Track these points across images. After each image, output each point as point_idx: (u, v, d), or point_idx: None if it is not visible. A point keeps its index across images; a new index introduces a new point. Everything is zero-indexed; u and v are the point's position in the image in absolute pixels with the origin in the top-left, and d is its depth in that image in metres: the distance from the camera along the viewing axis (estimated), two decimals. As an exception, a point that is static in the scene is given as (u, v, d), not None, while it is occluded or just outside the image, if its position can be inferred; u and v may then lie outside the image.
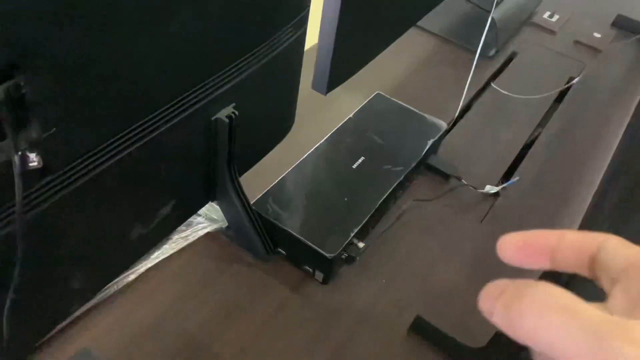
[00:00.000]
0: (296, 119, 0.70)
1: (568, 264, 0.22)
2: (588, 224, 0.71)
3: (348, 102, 0.85)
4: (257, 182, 0.65)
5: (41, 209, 0.38)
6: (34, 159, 0.35)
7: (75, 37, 0.33)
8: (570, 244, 0.22)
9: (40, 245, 0.40)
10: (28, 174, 0.35)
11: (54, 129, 0.35)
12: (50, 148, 0.36)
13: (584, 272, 0.22)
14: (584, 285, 0.23)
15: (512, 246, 0.23)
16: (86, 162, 0.40)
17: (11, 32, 0.29)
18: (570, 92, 0.99)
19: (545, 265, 0.23)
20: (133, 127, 0.42)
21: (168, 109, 0.45)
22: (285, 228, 0.60)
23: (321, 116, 0.84)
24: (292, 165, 0.68)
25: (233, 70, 0.51)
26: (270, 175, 0.66)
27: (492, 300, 0.20)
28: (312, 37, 0.72)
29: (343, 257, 0.61)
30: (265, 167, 0.66)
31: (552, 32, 1.13)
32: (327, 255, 0.58)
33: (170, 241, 0.63)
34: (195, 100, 0.48)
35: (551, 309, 0.18)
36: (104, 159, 0.41)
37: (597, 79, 1.03)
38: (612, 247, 0.22)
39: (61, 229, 0.41)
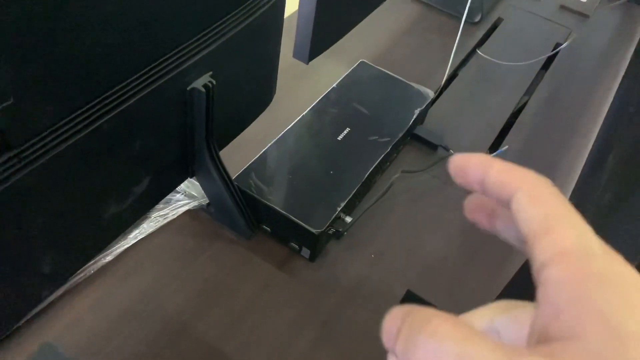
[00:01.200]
0: (277, 89, 0.67)
1: (499, 199, 0.21)
2: (583, 196, 0.70)
3: (331, 71, 0.82)
4: (238, 156, 0.62)
5: (3, 188, 0.35)
6: (-11, 134, 0.32)
7: (38, 2, 0.30)
8: (494, 182, 0.21)
9: (4, 227, 0.37)
10: (-16, 150, 0.32)
11: (12, 100, 0.32)
12: (9, 122, 0.33)
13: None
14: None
15: (454, 167, 0.22)
16: (50, 137, 0.36)
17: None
18: (557, 59, 0.97)
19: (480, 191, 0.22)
20: (101, 98, 0.39)
21: (139, 77, 0.42)
22: (269, 204, 0.57)
23: (303, 86, 0.80)
24: (275, 138, 0.65)
25: (208, 35, 0.48)
26: (251, 149, 0.63)
27: (391, 337, 0.19)
28: (292, 3, 0.68)
29: (330, 232, 0.58)
30: (246, 141, 0.63)
31: (537, -3, 1.10)
32: (313, 231, 0.55)
33: (148, 220, 0.60)
34: (168, 68, 0.44)
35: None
36: (69, 133, 0.38)
37: (584, 44, 1.01)
38: (524, 205, 0.20)
39: (27, 209, 0.38)
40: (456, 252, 0.64)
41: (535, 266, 0.19)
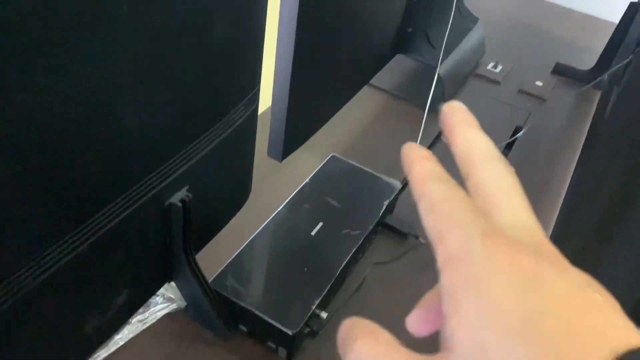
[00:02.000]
0: (252, 186, 0.70)
1: None
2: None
3: (304, 164, 0.86)
4: (214, 255, 0.64)
5: (-13, 321, 0.36)
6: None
7: (17, 133, 0.33)
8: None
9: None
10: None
11: (-3, 240, 0.35)
12: (-5, 259, 0.35)
13: None
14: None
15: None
16: (33, 268, 0.38)
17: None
18: (518, 140, 1.03)
19: None
20: (82, 226, 0.42)
21: (120, 201, 0.45)
22: (244, 305, 0.59)
23: (277, 181, 0.84)
24: (250, 235, 0.68)
25: (186, 154, 0.51)
26: (228, 247, 0.66)
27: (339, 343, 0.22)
28: (266, 99, 0.73)
29: (306, 331, 0.60)
30: (222, 239, 0.66)
31: (496, 82, 1.17)
32: (288, 331, 0.57)
33: (128, 325, 0.61)
34: (147, 189, 0.48)
35: None
36: (52, 262, 0.40)
37: (542, 126, 1.08)
38: (423, 217, 0.22)
39: (11, 334, 0.40)
40: (432, 339, 0.66)
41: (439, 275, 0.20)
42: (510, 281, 0.18)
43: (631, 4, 1.11)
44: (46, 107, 0.33)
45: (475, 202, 0.22)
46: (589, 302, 0.17)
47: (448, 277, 0.19)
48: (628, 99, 0.89)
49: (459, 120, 0.25)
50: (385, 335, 0.21)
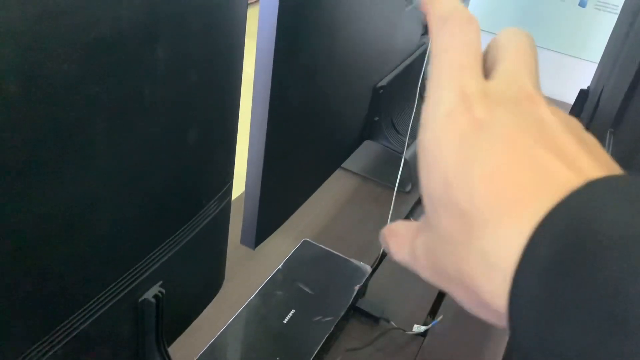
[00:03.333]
0: (226, 272, 0.72)
1: None
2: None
3: (276, 249, 0.88)
4: (188, 345, 0.64)
5: None
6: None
7: (-1, 266, 0.34)
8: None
9: None
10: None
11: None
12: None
13: None
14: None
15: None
16: (6, 375, 0.39)
17: None
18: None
19: None
20: (57, 328, 0.43)
21: (94, 302, 0.46)
22: (217, 399, 0.59)
23: (251, 268, 0.85)
24: (224, 324, 0.68)
25: (160, 251, 0.53)
26: (201, 337, 0.66)
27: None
28: (240, 185, 0.75)
29: None
30: (196, 329, 0.66)
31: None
32: None
33: (97, 422, 0.60)
34: (120, 288, 0.49)
35: None
36: (25, 367, 0.40)
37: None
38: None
39: None
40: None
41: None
42: (456, 133, 0.20)
43: (581, 91, 1.19)
44: (19, 215, 0.35)
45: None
46: (547, 142, 0.18)
47: (420, 137, 0.22)
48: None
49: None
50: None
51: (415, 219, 0.29)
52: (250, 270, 0.84)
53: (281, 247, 0.88)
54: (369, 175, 1.12)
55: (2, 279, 0.36)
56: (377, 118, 1.00)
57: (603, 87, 1.01)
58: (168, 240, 0.54)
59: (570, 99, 1.25)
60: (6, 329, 0.38)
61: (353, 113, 0.94)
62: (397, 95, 1.05)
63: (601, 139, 1.01)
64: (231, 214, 0.69)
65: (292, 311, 0.72)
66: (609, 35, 1.18)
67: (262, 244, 0.76)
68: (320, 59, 0.74)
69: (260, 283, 0.75)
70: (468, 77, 0.21)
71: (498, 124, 0.19)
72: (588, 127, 1.15)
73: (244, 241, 0.76)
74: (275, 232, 0.78)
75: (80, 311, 0.45)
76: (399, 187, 0.96)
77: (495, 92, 0.20)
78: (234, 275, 0.77)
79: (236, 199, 0.71)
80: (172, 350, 0.58)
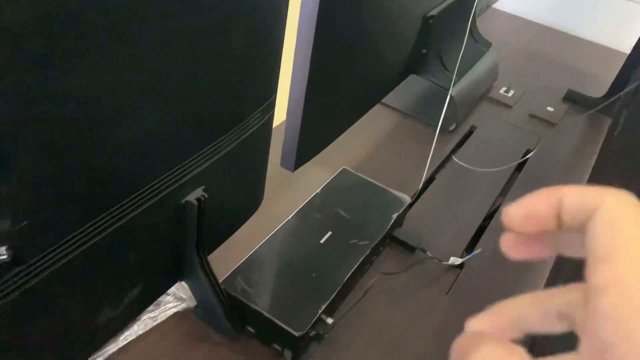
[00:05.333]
0: (265, 194, 0.72)
1: (577, 226, 0.21)
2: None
3: (315, 176, 0.88)
4: (226, 258, 0.66)
5: (9, 300, 0.38)
6: (3, 253, 0.36)
7: (47, 135, 0.35)
8: (572, 207, 0.21)
9: (7, 335, 0.40)
10: (-3, 267, 0.36)
11: (25, 222, 0.37)
12: (21, 241, 0.37)
13: None
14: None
15: (517, 219, 0.22)
16: (56, 252, 0.40)
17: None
18: (527, 164, 1.04)
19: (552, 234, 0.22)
20: (103, 215, 0.44)
21: (138, 195, 0.47)
22: (253, 307, 0.60)
23: (289, 192, 0.86)
24: (261, 241, 0.69)
25: (203, 155, 0.53)
26: (239, 251, 0.67)
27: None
28: (281, 114, 0.75)
29: (312, 334, 0.61)
30: (234, 243, 0.68)
31: (508, 106, 1.19)
32: (295, 333, 0.58)
33: (138, 322, 0.62)
34: (164, 186, 0.50)
35: None
36: (73, 247, 0.42)
37: (552, 150, 1.09)
38: (597, 229, 0.19)
39: (29, 318, 0.42)
40: (435, 352, 0.67)
41: (588, 292, 0.19)
42: None
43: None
44: (74, 104, 0.36)
45: None
46: None
47: (616, 301, 0.18)
48: (636, 122, 0.90)
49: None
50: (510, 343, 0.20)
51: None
52: (289, 194, 0.85)
53: (320, 175, 0.88)
54: (411, 112, 1.10)
55: (56, 163, 0.37)
56: (424, 51, 0.97)
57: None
58: (211, 145, 0.54)
59: (623, 46, 1.18)
60: (60, 208, 0.39)
61: (400, 43, 0.92)
62: (448, 28, 1.01)
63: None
64: (271, 140, 0.69)
65: (329, 233, 0.72)
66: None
67: (300, 171, 0.76)
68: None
69: (297, 206, 0.76)
70: None
71: None
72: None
73: (283, 164, 0.76)
74: (313, 162, 0.78)
75: (126, 201, 0.46)
76: (443, 126, 0.94)
77: None
78: (273, 197, 0.78)
79: (277, 126, 0.70)
80: (210, 260, 0.60)
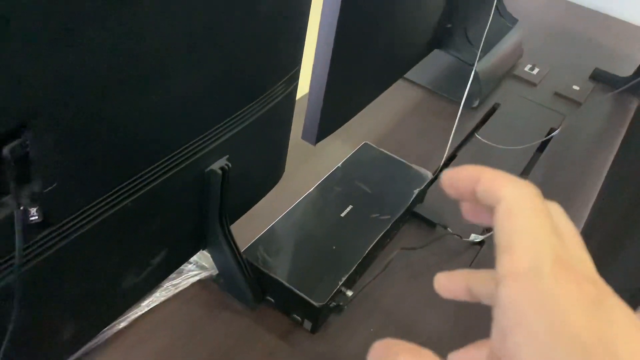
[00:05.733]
0: (287, 167, 0.72)
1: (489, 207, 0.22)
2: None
3: (337, 150, 0.88)
4: (247, 229, 0.66)
5: (38, 261, 0.39)
6: (34, 214, 0.37)
7: (78, 100, 0.35)
8: (483, 190, 0.22)
9: (35, 297, 0.41)
10: (28, 228, 0.36)
11: (55, 184, 0.37)
12: (51, 202, 0.37)
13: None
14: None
15: (446, 180, 0.24)
16: (84, 215, 0.41)
17: (22, 97, 0.31)
18: (551, 143, 1.02)
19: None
20: (130, 180, 0.44)
21: (164, 162, 0.47)
22: (274, 276, 0.61)
23: (310, 165, 0.86)
24: (282, 212, 0.70)
25: (227, 124, 0.53)
26: (261, 222, 0.68)
27: None
28: (303, 86, 0.75)
29: (331, 305, 0.62)
30: (256, 214, 0.68)
31: (532, 84, 1.17)
32: (315, 304, 0.59)
33: (161, 289, 0.63)
34: (190, 153, 0.50)
35: None
36: (101, 211, 0.42)
37: (577, 130, 1.07)
38: (499, 219, 0.21)
39: (57, 280, 0.42)
40: (453, 329, 0.67)
41: (497, 280, 0.20)
42: (581, 304, 0.18)
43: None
44: (101, 67, 0.36)
45: None
46: None
47: (512, 291, 0.19)
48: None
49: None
50: (428, 353, 0.21)
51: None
52: (310, 168, 0.85)
53: (340, 149, 0.88)
54: (434, 88, 1.09)
55: (86, 125, 0.37)
56: (449, 25, 0.95)
57: None
58: (236, 114, 0.54)
59: None
60: (89, 172, 0.39)
61: (425, 17, 0.90)
62: (473, 3, 0.99)
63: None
64: (294, 113, 0.69)
65: (350, 206, 0.72)
66: None
67: (322, 144, 0.76)
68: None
69: (318, 180, 0.75)
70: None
71: (616, 307, 0.19)
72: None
73: (305, 136, 0.75)
74: (335, 136, 0.77)
75: (153, 167, 0.46)
76: (466, 102, 0.93)
77: None
78: (294, 170, 0.78)
79: (298, 99, 0.70)
80: (232, 231, 0.60)
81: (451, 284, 0.27)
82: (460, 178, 0.23)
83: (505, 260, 0.20)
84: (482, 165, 0.23)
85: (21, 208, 0.35)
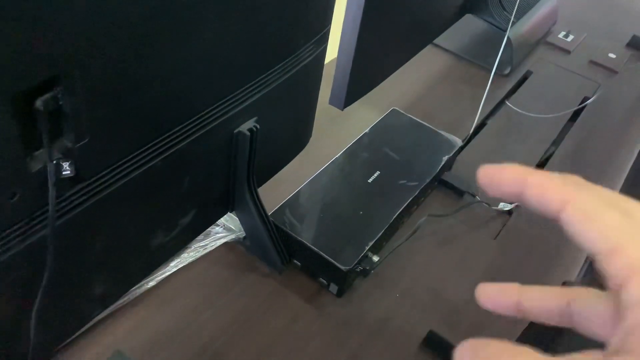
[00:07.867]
0: (313, 132, 0.71)
1: (542, 213, 0.22)
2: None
3: (364, 116, 0.87)
4: (275, 193, 0.66)
5: (71, 216, 0.39)
6: (67, 168, 0.37)
7: (112, 53, 0.35)
8: (535, 198, 0.22)
9: (68, 251, 0.41)
10: (60, 182, 0.37)
11: (88, 138, 0.37)
12: (83, 157, 0.37)
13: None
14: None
15: (485, 180, 0.23)
16: (115, 172, 0.41)
17: (56, 48, 0.31)
18: (584, 112, 1.00)
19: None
20: (160, 138, 0.44)
21: (194, 121, 0.47)
22: (301, 239, 0.61)
23: (338, 130, 0.85)
24: (309, 177, 0.69)
25: (256, 85, 0.53)
26: (287, 187, 0.68)
27: None
28: (331, 51, 0.74)
29: (358, 270, 0.61)
30: (283, 179, 0.68)
31: (567, 51, 1.13)
32: (342, 267, 0.59)
33: (188, 250, 0.64)
34: (219, 114, 0.49)
35: None
36: (131, 168, 0.42)
37: (612, 99, 1.04)
38: (579, 226, 0.20)
39: (88, 236, 0.43)
40: (479, 296, 0.66)
41: (611, 284, 0.19)
42: None
43: None
44: (134, 19, 0.35)
45: None
46: None
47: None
48: None
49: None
50: (528, 351, 0.19)
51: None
52: (337, 133, 0.84)
53: (368, 115, 0.87)
54: (464, 54, 1.06)
55: (118, 81, 0.36)
56: (482, -12, 0.92)
57: None
58: (265, 75, 0.53)
59: None
60: (121, 128, 0.39)
61: (457, -21, 0.87)
62: (508, -35, 0.95)
63: None
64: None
65: (377, 172, 0.71)
66: None
67: (349, 110, 0.75)
68: None
69: (345, 145, 0.75)
70: None
71: None
72: None
73: (332, 101, 0.74)
74: (362, 102, 0.76)
75: (182, 127, 0.45)
76: (497, 69, 0.90)
77: None
78: (321, 135, 0.77)
79: (326, 64, 0.69)
80: (259, 194, 0.60)
81: (500, 296, 0.25)
82: (503, 180, 0.22)
83: (619, 262, 0.19)
84: (523, 166, 0.22)
85: (54, 162, 0.35)
